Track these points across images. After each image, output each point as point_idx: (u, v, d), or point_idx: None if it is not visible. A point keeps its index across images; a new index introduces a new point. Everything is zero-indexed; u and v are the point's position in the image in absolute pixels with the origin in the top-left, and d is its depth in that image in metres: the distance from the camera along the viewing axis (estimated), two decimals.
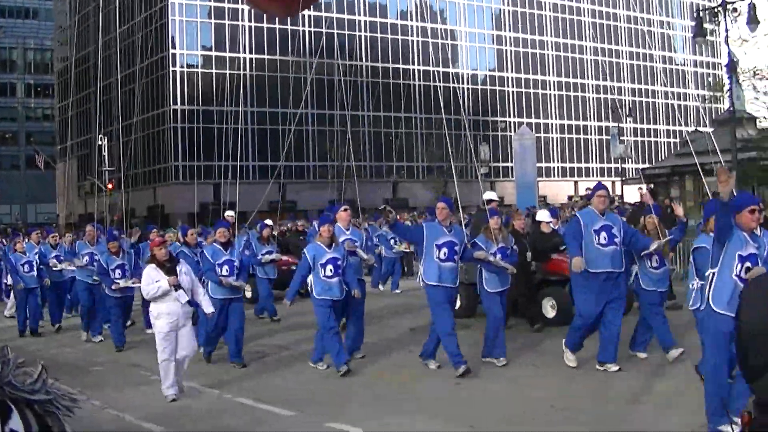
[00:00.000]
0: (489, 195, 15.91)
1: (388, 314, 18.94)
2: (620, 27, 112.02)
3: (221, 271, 13.47)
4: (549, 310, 15.79)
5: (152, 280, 11.04)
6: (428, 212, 17.66)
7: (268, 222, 21.85)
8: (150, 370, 13.05)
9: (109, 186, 56.54)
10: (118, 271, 16.00)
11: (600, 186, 12.36)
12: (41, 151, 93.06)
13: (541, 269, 15.79)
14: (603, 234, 11.32)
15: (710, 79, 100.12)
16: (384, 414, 10.01)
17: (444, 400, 10.59)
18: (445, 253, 11.75)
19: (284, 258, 20.66)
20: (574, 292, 11.70)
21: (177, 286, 11.03)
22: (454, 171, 15.91)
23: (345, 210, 14.13)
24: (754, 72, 36.65)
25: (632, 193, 49.96)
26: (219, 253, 13.65)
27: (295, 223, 30.54)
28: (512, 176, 57.53)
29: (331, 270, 12.25)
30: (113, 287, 15.87)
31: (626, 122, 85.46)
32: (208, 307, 11.85)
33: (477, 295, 13.88)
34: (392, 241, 24.33)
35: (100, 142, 60.17)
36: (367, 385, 11.61)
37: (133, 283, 15.89)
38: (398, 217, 15.06)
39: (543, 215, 16.90)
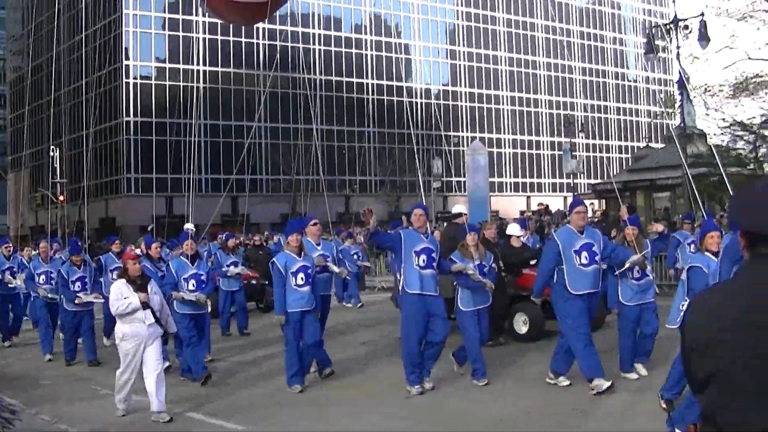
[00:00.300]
0: (458, 208, 15.72)
1: (346, 329, 18.80)
2: (573, 43, 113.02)
3: (188, 285, 13.14)
4: (521, 325, 15.43)
5: (121, 295, 10.65)
6: (392, 225, 17.35)
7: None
8: (101, 384, 12.89)
9: (61, 198, 56.08)
10: (78, 283, 15.49)
11: (578, 201, 12.03)
12: None
13: (512, 284, 15.40)
14: (584, 254, 10.91)
15: (662, 95, 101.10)
16: (334, 427, 10.02)
17: (405, 411, 10.52)
18: (424, 260, 11.33)
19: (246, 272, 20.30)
20: (558, 317, 11.26)
21: (146, 305, 10.69)
22: (421, 184, 15.72)
23: (314, 224, 13.72)
24: (705, 88, 37.03)
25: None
26: (185, 266, 13.34)
27: (250, 237, 30.36)
28: (464, 191, 57.67)
29: (302, 278, 11.93)
30: (76, 301, 15.36)
31: (578, 137, 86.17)
32: (172, 327, 11.67)
33: (450, 308, 13.52)
34: (355, 256, 24.37)
35: (52, 154, 59.62)
36: (322, 400, 11.47)
37: (95, 298, 15.63)
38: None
39: (513, 229, 16.53)
